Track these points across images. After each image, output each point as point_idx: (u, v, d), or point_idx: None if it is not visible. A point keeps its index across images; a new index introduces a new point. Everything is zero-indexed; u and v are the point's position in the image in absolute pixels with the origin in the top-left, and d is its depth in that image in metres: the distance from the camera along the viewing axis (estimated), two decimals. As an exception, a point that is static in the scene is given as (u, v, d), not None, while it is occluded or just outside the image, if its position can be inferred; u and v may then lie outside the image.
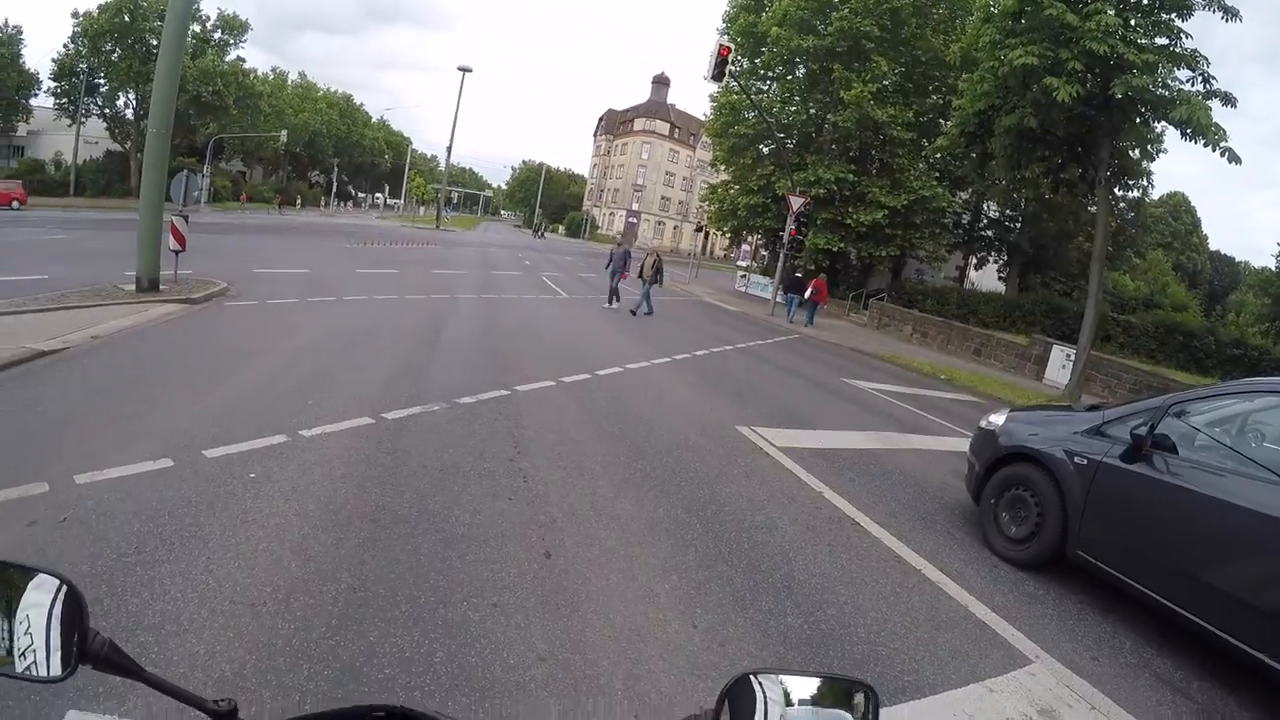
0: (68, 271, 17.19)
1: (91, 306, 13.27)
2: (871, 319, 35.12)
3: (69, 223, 35.29)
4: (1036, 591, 6.50)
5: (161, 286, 15.31)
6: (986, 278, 52.15)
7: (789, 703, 1.25)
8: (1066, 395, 20.97)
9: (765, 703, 1.25)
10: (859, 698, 1.31)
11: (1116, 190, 31.04)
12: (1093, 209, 28.02)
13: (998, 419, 7.86)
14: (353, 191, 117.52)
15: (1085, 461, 6.52)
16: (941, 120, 36.21)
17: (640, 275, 24.40)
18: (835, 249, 38.07)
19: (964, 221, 46.98)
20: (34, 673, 1.15)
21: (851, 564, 6.34)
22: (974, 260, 50.60)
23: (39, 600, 1.17)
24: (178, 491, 5.69)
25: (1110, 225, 28.81)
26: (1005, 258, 48.57)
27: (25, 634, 1.16)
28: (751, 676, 1.26)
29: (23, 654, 1.15)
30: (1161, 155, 34.23)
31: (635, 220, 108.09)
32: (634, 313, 22.99)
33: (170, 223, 15.90)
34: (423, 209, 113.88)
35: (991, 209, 47.13)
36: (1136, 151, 25.79)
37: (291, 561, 4.80)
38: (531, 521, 6.02)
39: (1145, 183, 39.36)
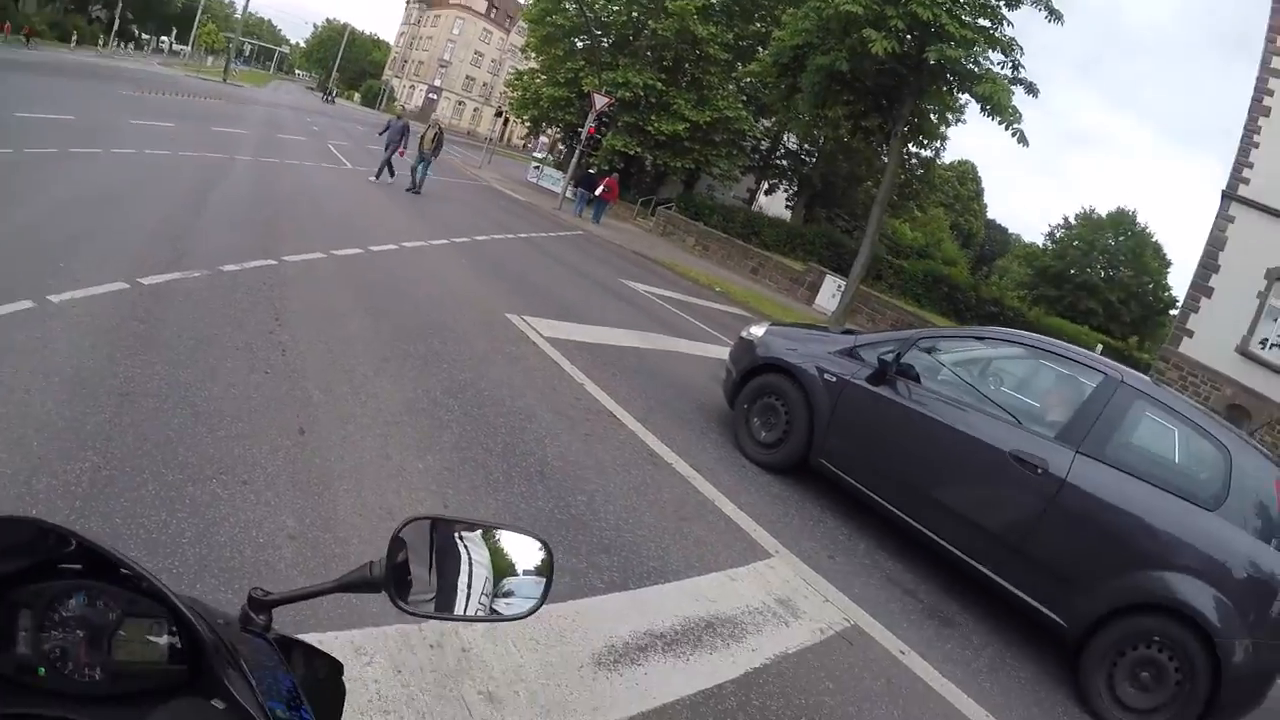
0: None
1: None
2: (657, 226, 35.60)
3: None
4: (781, 493, 6.97)
5: (-101, 132, 13.47)
6: (775, 204, 53.70)
7: (462, 554, 1.31)
8: (832, 322, 22.12)
9: (438, 553, 1.30)
10: (532, 552, 1.37)
11: (910, 146, 32.55)
12: (886, 158, 29.22)
13: (758, 330, 8.23)
14: (136, 32, 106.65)
15: (834, 379, 6.98)
16: (760, 48, 36.65)
17: (419, 148, 22.70)
18: (632, 153, 38.14)
19: (762, 148, 48.16)
20: None
21: (605, 454, 6.56)
22: (765, 185, 52.01)
23: None
24: (-92, 369, 5.07)
25: (899, 176, 30.35)
26: (796, 188, 50.25)
27: None
28: (424, 523, 1.30)
29: None
30: (960, 124, 36.20)
31: (435, 97, 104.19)
32: (416, 190, 21.64)
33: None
34: (211, 59, 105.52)
35: (790, 141, 48.43)
36: (936, 116, 27.16)
37: (34, 440, 4.38)
38: (287, 397, 5.81)
39: (939, 145, 41.41)
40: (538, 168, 42.94)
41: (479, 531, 1.34)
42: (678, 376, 9.99)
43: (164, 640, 1.05)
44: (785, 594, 5.13)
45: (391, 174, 22.62)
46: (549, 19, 40.84)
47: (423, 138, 22.66)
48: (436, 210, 20.34)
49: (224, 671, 1.02)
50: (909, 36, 21.59)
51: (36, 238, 8.62)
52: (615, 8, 40.99)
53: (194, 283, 8.09)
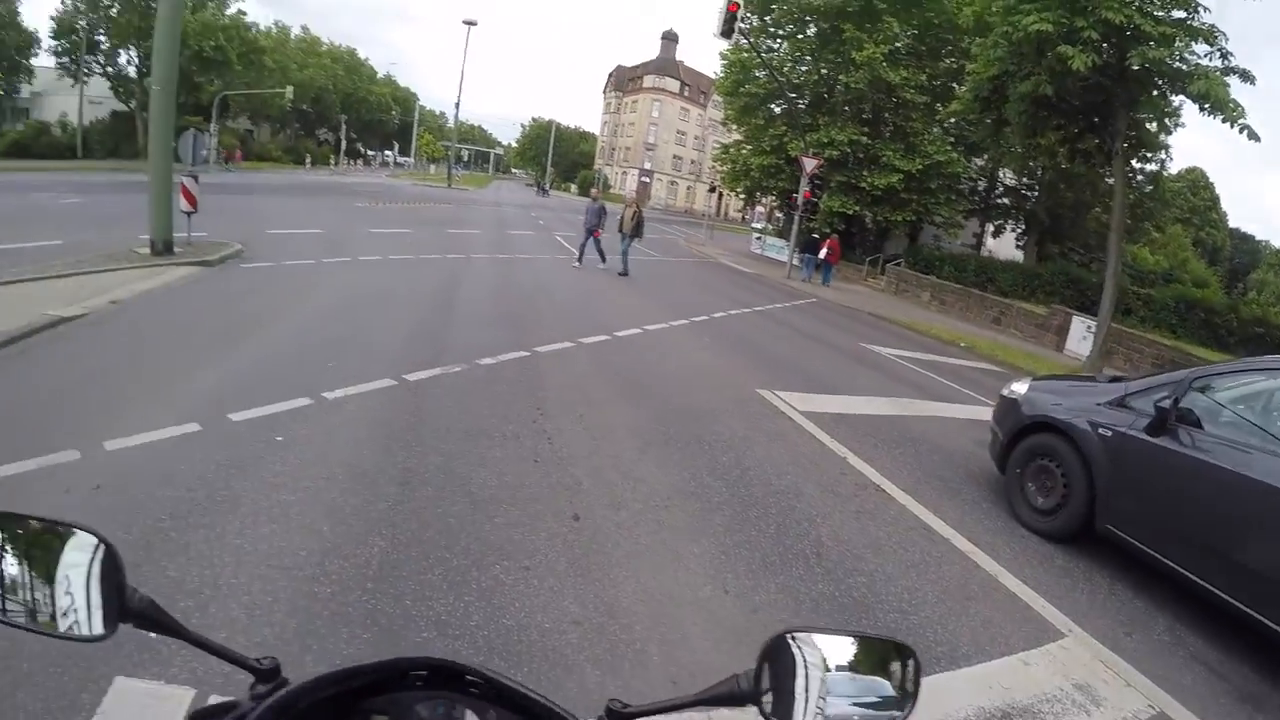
0: (83, 236, 17.15)
1: (109, 271, 13.29)
2: (889, 284, 34.81)
3: (81, 186, 35.14)
4: (1067, 565, 6.47)
5: (176, 249, 15.25)
6: (1004, 246, 51.58)
7: (827, 666, 1.25)
8: (1088, 367, 20.71)
9: (805, 666, 1.25)
10: (897, 662, 1.30)
11: (1134, 162, 30.58)
12: (1110, 180, 27.63)
13: (1020, 388, 7.79)
14: (362, 149, 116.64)
15: (1110, 433, 6.47)
16: (955, 85, 35.57)
17: (620, 230, 22.52)
18: (850, 212, 37.55)
19: (980, 188, 46.36)
20: (77, 632, 1.14)
21: (879, 531, 6.32)
22: (991, 228, 50.00)
23: (77, 560, 1.15)
24: (206, 455, 5.71)
25: (1128, 197, 28.45)
26: (1022, 226, 47.99)
27: (65, 594, 1.15)
28: (790, 636, 1.26)
29: (64, 614, 1.14)
30: (1180, 129, 33.67)
31: (648, 180, 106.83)
32: (623, 273, 21.47)
33: (180, 183, 15.82)
34: (433, 167, 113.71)
35: (1008, 176, 46.47)
36: (1154, 124, 25.43)
37: (324, 524, 4.82)
38: (558, 484, 6.02)
39: (1164, 156, 38.63)
40: (759, 238, 43.13)
41: (827, 636, 1.28)
42: (940, 443, 9.56)
43: None
44: (1083, 679, 4.72)
45: (579, 257, 22.67)
46: (742, 90, 41.02)
47: (622, 219, 22.53)
48: (671, 291, 20.76)
49: None
50: (1106, 45, 20.22)
51: (306, 340, 9.59)
52: (803, 68, 40.82)
53: (455, 377, 8.64)
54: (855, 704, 1.26)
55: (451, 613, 4.04)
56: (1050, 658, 4.90)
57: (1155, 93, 21.56)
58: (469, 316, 12.50)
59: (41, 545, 1.17)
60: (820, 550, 5.67)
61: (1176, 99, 22.55)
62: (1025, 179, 45.80)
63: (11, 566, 1.15)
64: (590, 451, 6.91)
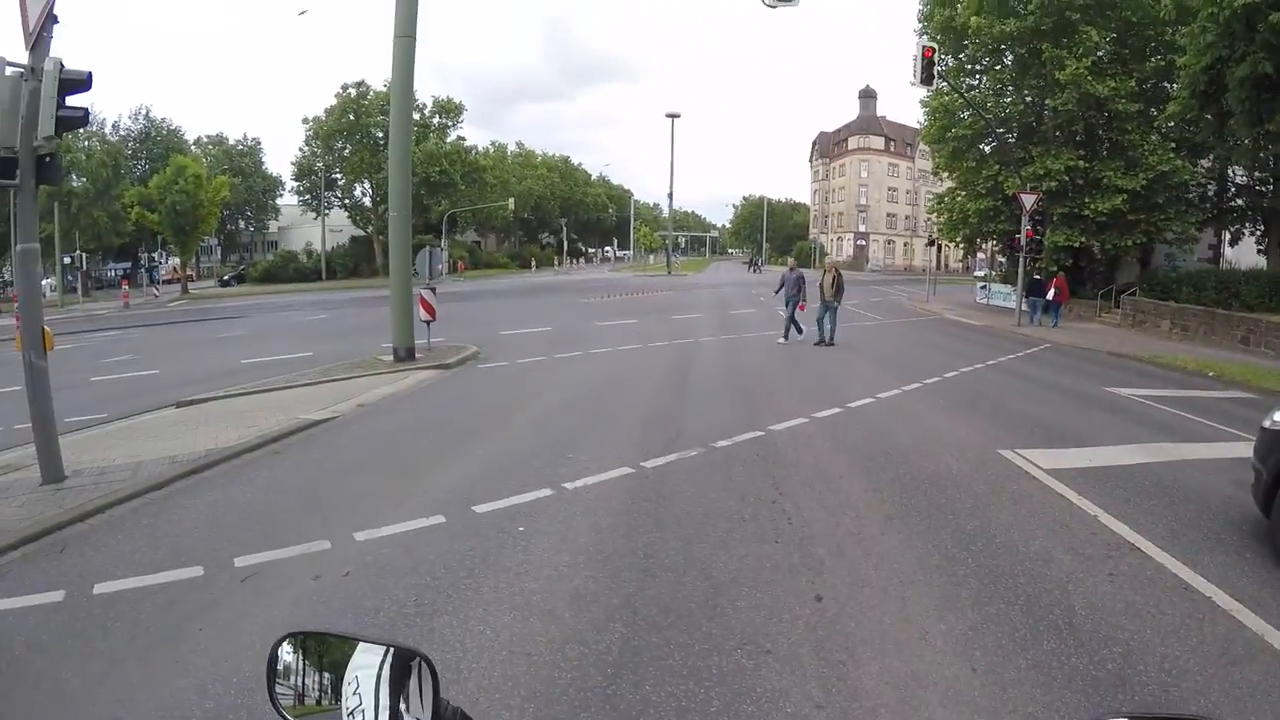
0: (331, 347, 18.75)
1: (355, 377, 14.45)
2: (1125, 317, 32.46)
3: (326, 304, 38.60)
4: (1341, 620, 5.70)
5: (417, 355, 16.57)
6: (1245, 253, 46.87)
7: None
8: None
9: None
10: None
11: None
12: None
13: None
14: (583, 248, 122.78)
15: None
16: (1167, 84, 33.74)
17: (821, 296, 21.44)
18: (1077, 244, 35.64)
19: (1210, 193, 42.82)
20: None
21: (1135, 595, 5.81)
22: (1227, 236, 45.97)
23: (393, 674, 1.26)
24: (451, 546, 6.14)
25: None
26: (1262, 228, 43.85)
27: (382, 708, 1.24)
28: None
29: (350, 713, 1.23)
30: None
31: (864, 243, 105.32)
32: (822, 341, 20.91)
33: (419, 295, 17.15)
34: (651, 257, 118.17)
35: (1238, 174, 42.67)
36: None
37: (565, 611, 5.00)
38: (799, 564, 5.97)
39: None
40: (984, 287, 41.88)
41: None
42: (1196, 488, 8.70)
43: None
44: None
45: (793, 331, 21.87)
46: (949, 135, 39.75)
47: (821, 284, 21.75)
48: (899, 354, 20.36)
49: None
50: (1318, 4, 18.34)
51: (544, 433, 10.14)
52: (1007, 100, 39.49)
53: (692, 461, 8.82)
54: None
55: (691, 698, 4.06)
56: (1324, 729, 4.38)
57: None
58: (701, 399, 12.76)
59: (356, 661, 1.28)
60: (1072, 620, 5.30)
61: None
62: (1258, 173, 41.84)
63: (327, 685, 1.29)
64: (831, 529, 6.83)
